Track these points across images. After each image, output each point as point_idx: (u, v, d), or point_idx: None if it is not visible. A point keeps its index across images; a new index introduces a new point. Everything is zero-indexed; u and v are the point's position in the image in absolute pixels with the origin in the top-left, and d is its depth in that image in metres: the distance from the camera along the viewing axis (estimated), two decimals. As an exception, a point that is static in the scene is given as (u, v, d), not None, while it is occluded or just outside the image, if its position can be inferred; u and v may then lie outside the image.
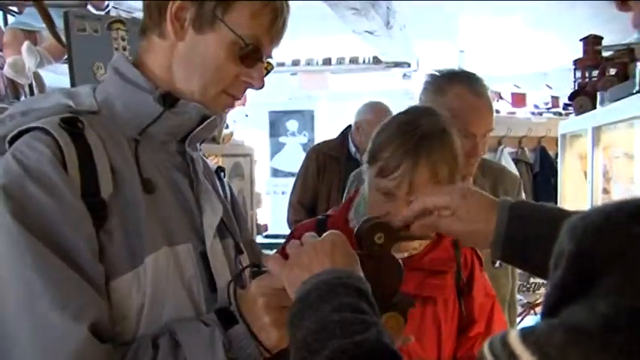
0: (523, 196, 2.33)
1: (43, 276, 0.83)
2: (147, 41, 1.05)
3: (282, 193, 8.31)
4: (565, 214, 0.96)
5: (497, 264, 2.02)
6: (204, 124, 1.06)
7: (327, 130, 7.86)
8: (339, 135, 3.38)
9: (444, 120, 1.39)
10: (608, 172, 3.24)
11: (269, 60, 1.09)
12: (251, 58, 1.03)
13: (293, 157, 8.57)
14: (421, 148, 1.29)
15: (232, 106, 1.13)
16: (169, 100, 1.01)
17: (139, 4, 3.98)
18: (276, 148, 8.53)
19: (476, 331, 1.47)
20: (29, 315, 0.83)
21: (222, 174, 1.29)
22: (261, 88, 1.09)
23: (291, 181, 8.50)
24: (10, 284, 0.83)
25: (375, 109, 3.25)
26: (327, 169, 3.14)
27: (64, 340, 0.82)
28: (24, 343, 0.82)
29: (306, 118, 8.45)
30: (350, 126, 3.35)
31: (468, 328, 1.47)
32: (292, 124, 8.51)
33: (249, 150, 2.29)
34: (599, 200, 3.21)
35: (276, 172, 8.42)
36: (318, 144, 3.48)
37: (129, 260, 0.92)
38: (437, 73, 1.90)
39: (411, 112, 1.42)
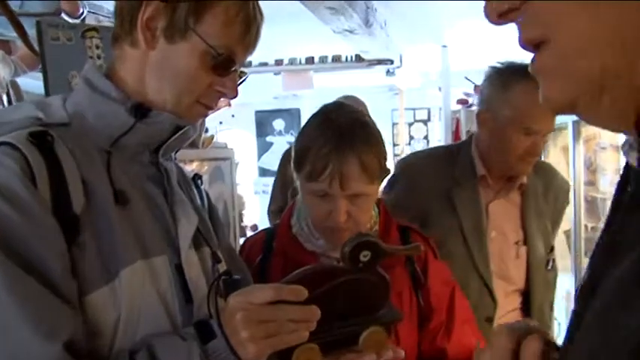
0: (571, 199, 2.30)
1: (15, 295, 0.82)
2: (119, 50, 1.04)
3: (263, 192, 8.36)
4: None
5: (549, 266, 2.02)
6: (178, 134, 1.06)
7: (313, 129, 7.88)
8: None
9: (358, 111, 1.41)
10: (593, 163, 3.27)
11: (242, 69, 1.09)
12: (224, 68, 1.03)
13: (280, 156, 8.60)
14: (343, 143, 1.28)
15: (206, 115, 1.13)
16: (141, 110, 1.00)
17: (106, 3, 3.91)
18: (264, 148, 8.54)
19: (436, 321, 1.47)
20: (2, 337, 0.81)
21: (199, 181, 1.28)
22: (234, 97, 1.09)
23: (280, 180, 8.51)
24: None
25: (356, 101, 3.19)
26: None
27: (36, 357, 0.81)
28: None
29: (292, 117, 8.47)
30: None
31: (428, 320, 1.47)
32: (279, 124, 8.53)
33: (229, 152, 2.28)
34: (582, 191, 3.24)
35: (264, 172, 8.43)
36: (289, 150, 3.41)
37: (103, 274, 0.92)
38: (501, 66, 1.89)
39: (323, 111, 1.41)
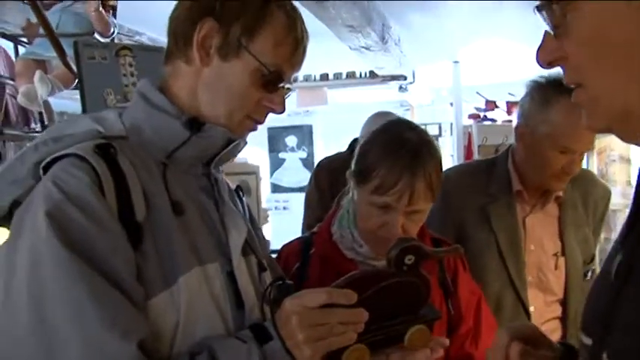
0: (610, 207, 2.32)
1: (91, 297, 0.86)
2: (172, 67, 1.08)
3: (284, 208, 8.39)
4: None
5: (588, 276, 2.05)
6: (230, 147, 1.10)
7: (326, 145, 7.94)
8: (348, 149, 3.31)
9: (423, 131, 1.47)
10: (604, 175, 3.31)
11: (287, 86, 1.13)
12: (273, 85, 1.07)
13: (293, 173, 8.65)
14: (416, 162, 1.35)
15: (255, 129, 1.16)
16: (196, 124, 1.05)
17: (139, 28, 4.02)
18: (276, 164, 8.60)
19: (465, 327, 1.53)
20: (80, 335, 0.86)
21: (241, 193, 1.33)
22: (282, 112, 1.12)
23: (293, 196, 8.58)
24: (60, 306, 0.87)
25: (390, 116, 3.23)
26: (341, 185, 3.05)
27: (115, 357, 0.86)
28: None
29: (304, 133, 8.52)
30: (357, 139, 3.31)
31: (457, 327, 1.53)
32: (291, 140, 8.57)
33: (254, 168, 2.35)
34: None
35: (276, 188, 8.47)
36: (327, 160, 3.36)
37: (163, 280, 0.96)
38: (543, 81, 1.87)
39: (392, 128, 1.47)
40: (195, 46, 1.03)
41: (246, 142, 1.15)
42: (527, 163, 1.91)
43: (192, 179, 1.11)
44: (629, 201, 2.28)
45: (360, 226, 1.46)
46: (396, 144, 1.39)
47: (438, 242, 1.57)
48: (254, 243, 1.21)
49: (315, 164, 3.65)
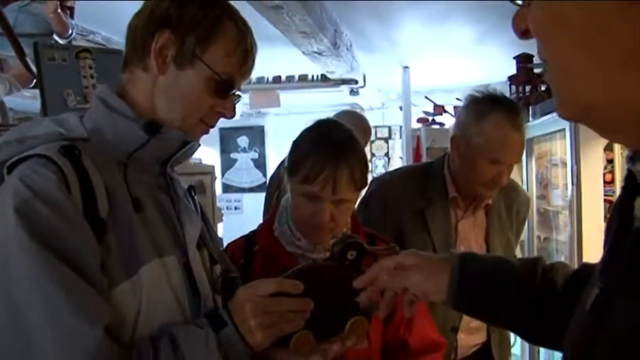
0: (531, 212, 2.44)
1: (59, 286, 0.93)
2: (130, 73, 1.17)
3: (235, 208, 8.44)
4: (508, 262, 1.14)
5: None
6: (185, 148, 1.19)
7: (277, 146, 8.01)
8: None
9: (349, 129, 1.59)
10: (545, 179, 3.47)
11: (238, 92, 1.23)
12: (225, 92, 1.17)
13: (244, 173, 8.70)
14: (339, 154, 1.48)
15: (207, 132, 1.26)
16: (154, 127, 1.13)
17: (93, 27, 4.00)
18: (228, 164, 8.62)
19: (399, 315, 1.61)
20: (50, 321, 0.93)
21: (193, 192, 1.41)
22: (233, 117, 1.23)
23: (245, 196, 8.54)
24: (33, 297, 0.93)
25: (355, 115, 3.30)
26: None
27: (84, 341, 0.93)
28: (48, 348, 0.92)
29: (255, 134, 8.58)
30: None
31: (392, 314, 1.59)
32: (243, 140, 8.61)
33: (209, 168, 2.41)
34: (534, 205, 3.43)
35: (227, 188, 8.50)
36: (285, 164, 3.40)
37: (125, 271, 1.04)
38: (479, 96, 2.01)
39: (320, 126, 1.61)
40: (153, 55, 1.12)
41: (199, 144, 1.25)
42: (461, 172, 2.05)
43: (150, 178, 1.20)
44: (567, 203, 2.43)
45: (294, 217, 1.58)
46: (321, 139, 1.53)
47: (372, 237, 1.69)
48: (206, 237, 1.31)
49: (272, 163, 3.66)
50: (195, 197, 1.42)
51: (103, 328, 0.95)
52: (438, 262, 1.15)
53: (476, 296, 1.10)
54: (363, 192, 1.85)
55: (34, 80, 1.98)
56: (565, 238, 3.44)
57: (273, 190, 3.27)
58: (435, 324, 1.74)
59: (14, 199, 0.97)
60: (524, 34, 0.77)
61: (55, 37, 2.26)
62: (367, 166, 1.58)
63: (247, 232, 1.73)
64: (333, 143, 1.51)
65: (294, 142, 1.60)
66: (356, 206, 1.76)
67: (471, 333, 2.12)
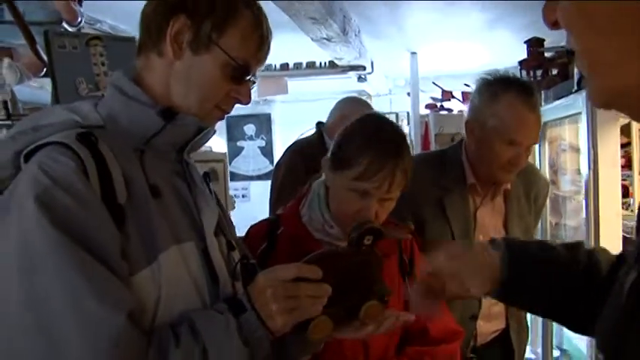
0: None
1: (82, 273, 0.93)
2: (145, 59, 1.17)
3: (243, 196, 8.44)
4: (551, 247, 1.14)
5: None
6: (201, 134, 1.19)
7: (284, 133, 8.00)
8: (316, 134, 3.28)
9: (399, 126, 1.60)
10: (555, 164, 3.46)
11: (253, 78, 1.22)
12: (241, 77, 1.17)
13: (251, 161, 8.70)
14: (398, 153, 1.48)
15: (223, 118, 1.25)
16: (170, 114, 1.13)
17: (99, 16, 3.99)
18: (235, 152, 8.62)
19: None
20: (73, 308, 0.92)
21: (208, 179, 1.41)
22: (248, 102, 1.23)
23: (252, 184, 8.54)
24: (55, 285, 0.93)
25: (360, 102, 3.24)
26: (314, 171, 2.92)
27: (107, 328, 0.93)
28: (71, 335, 0.91)
29: (262, 122, 8.57)
30: (322, 122, 3.29)
31: None
32: (250, 128, 8.61)
33: (222, 156, 2.41)
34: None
35: (234, 176, 8.51)
36: (299, 145, 3.30)
37: (144, 258, 1.03)
38: (490, 78, 2.00)
39: (372, 121, 1.60)
40: (169, 41, 1.11)
41: (215, 131, 1.24)
42: (478, 156, 2.03)
43: (166, 165, 1.20)
44: (578, 188, 2.44)
45: (335, 209, 1.56)
46: (379, 136, 1.52)
47: (397, 226, 1.66)
48: (223, 224, 1.31)
49: (279, 151, 3.61)
50: (211, 185, 1.42)
51: (126, 314, 0.94)
52: (485, 256, 1.15)
53: (523, 284, 1.10)
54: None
55: (45, 69, 1.96)
56: (576, 223, 3.44)
57: (279, 177, 3.23)
58: (455, 312, 1.74)
59: (34, 188, 0.96)
60: (554, 24, 0.77)
61: (65, 24, 2.24)
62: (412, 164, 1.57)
63: (255, 219, 1.73)
64: (391, 141, 1.51)
65: (343, 134, 1.58)
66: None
67: (490, 320, 2.12)
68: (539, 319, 3.23)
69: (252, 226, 1.71)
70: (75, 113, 1.11)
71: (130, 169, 1.08)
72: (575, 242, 1.13)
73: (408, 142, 1.59)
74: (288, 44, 4.43)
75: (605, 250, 1.11)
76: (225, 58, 1.13)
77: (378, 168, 1.46)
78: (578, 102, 2.50)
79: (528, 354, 3.52)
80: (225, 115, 1.26)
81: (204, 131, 1.19)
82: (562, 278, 1.07)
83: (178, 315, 1.07)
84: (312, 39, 3.92)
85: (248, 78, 1.19)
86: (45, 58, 1.89)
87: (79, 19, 2.34)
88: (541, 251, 1.13)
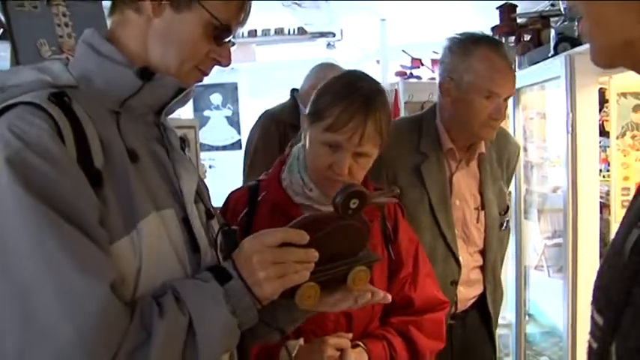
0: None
1: (60, 242, 0.87)
2: (120, 16, 1.10)
3: (210, 167, 8.32)
4: None
5: (503, 227, 2.17)
6: (180, 96, 1.13)
7: (251, 102, 7.89)
8: (290, 100, 3.24)
9: (378, 82, 1.57)
10: (526, 131, 3.48)
11: (233, 40, 1.18)
12: (222, 38, 1.12)
13: (218, 131, 8.57)
14: (369, 105, 1.46)
15: (201, 80, 1.20)
16: (148, 73, 1.07)
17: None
18: (201, 123, 8.47)
19: (405, 272, 1.65)
20: (51, 278, 0.87)
21: (183, 145, 1.35)
22: (228, 65, 1.18)
23: (219, 154, 8.46)
24: (29, 253, 0.87)
25: (335, 67, 3.17)
26: (291, 137, 2.74)
27: (88, 299, 0.87)
28: (49, 306, 0.86)
29: (228, 91, 8.44)
30: (296, 89, 3.26)
31: (398, 271, 1.64)
32: (216, 98, 8.47)
33: (193, 122, 2.34)
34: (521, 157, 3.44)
35: (201, 146, 8.37)
36: (272, 112, 3.23)
37: (123, 225, 0.98)
38: (460, 36, 2.00)
39: (349, 75, 1.59)
40: None
41: (194, 92, 1.18)
42: (456, 117, 2.01)
43: (144, 128, 1.14)
44: (546, 154, 2.46)
45: (309, 166, 1.54)
46: (351, 88, 1.50)
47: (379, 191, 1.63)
48: (201, 191, 1.26)
49: (246, 121, 3.54)
50: (186, 150, 1.37)
51: (108, 285, 0.89)
52: None
53: None
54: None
55: (2, 30, 1.86)
56: (546, 190, 3.47)
57: (253, 143, 3.18)
58: (437, 277, 1.73)
59: (4, 151, 0.90)
60: None
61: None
62: (390, 123, 1.55)
63: (223, 191, 1.69)
64: (364, 93, 1.48)
65: (320, 89, 1.56)
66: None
67: (470, 286, 2.13)
68: (511, 284, 3.27)
69: (232, 192, 1.68)
70: (45, 73, 1.04)
71: (106, 132, 1.02)
72: None
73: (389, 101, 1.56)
74: (255, 10, 4.33)
75: None
76: (207, 17, 1.08)
77: (347, 118, 1.44)
78: (555, 66, 2.49)
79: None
80: (204, 77, 1.21)
81: (183, 92, 1.14)
82: None
83: (161, 285, 1.02)
84: (282, 4, 3.83)
85: (229, 39, 1.14)
86: (2, 18, 1.79)
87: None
88: None
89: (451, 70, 2.00)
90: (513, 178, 2.59)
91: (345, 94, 1.48)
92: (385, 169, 2.03)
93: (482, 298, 2.19)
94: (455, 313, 2.10)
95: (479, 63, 1.92)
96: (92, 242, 0.91)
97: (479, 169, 2.15)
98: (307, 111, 1.56)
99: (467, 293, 2.14)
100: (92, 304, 0.87)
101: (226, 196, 1.68)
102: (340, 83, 1.54)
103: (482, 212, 2.14)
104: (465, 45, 1.97)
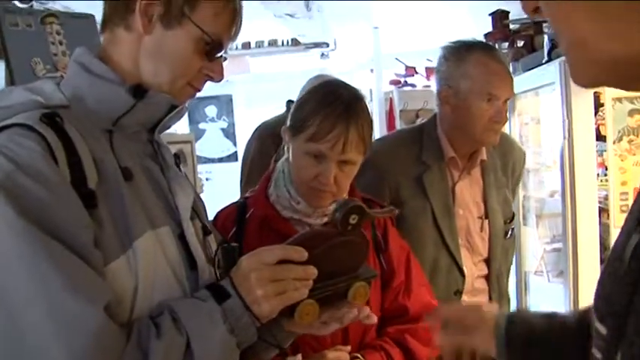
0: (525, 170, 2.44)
1: (53, 265, 0.86)
2: (110, 34, 1.10)
3: (206, 179, 8.31)
4: (558, 321, 1.09)
5: (508, 235, 2.15)
6: (173, 112, 1.13)
7: (246, 114, 7.88)
8: (286, 112, 3.11)
9: (357, 89, 1.56)
10: (521, 137, 3.48)
11: (225, 55, 1.17)
12: (214, 53, 1.11)
13: (214, 143, 8.56)
14: (350, 112, 1.45)
15: (193, 96, 1.20)
16: (140, 91, 1.06)
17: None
18: (197, 135, 8.46)
19: (398, 281, 1.63)
20: (45, 303, 0.86)
21: (178, 161, 1.34)
22: (220, 80, 1.17)
23: (215, 167, 8.45)
24: (21, 277, 0.86)
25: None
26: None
27: (83, 323, 0.86)
28: (42, 331, 0.85)
29: (223, 103, 8.43)
30: (292, 101, 3.24)
31: (390, 280, 1.62)
32: (211, 110, 8.47)
33: (189, 137, 2.34)
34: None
35: (197, 159, 8.33)
36: (269, 124, 3.22)
37: (119, 245, 0.97)
38: (453, 44, 2.00)
39: (328, 84, 1.59)
40: (138, 14, 1.04)
41: (187, 108, 1.18)
42: (457, 125, 2.00)
43: (137, 145, 1.13)
44: (542, 159, 2.45)
45: (295, 179, 1.54)
46: (331, 97, 1.49)
47: (369, 202, 1.64)
48: (198, 207, 1.25)
49: (242, 132, 3.52)
50: (181, 166, 1.36)
51: (102, 307, 0.88)
52: (491, 325, 1.10)
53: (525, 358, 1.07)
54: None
55: (-3, 49, 1.85)
56: (544, 194, 3.47)
57: (250, 155, 3.17)
58: (440, 287, 1.72)
59: None
60: (534, 11, 0.75)
61: (15, 1, 2.11)
62: (373, 129, 1.54)
63: (221, 203, 1.68)
64: (344, 101, 1.47)
65: (298, 100, 1.57)
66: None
67: (474, 295, 2.11)
68: (511, 290, 3.25)
69: (220, 211, 1.67)
70: (36, 93, 1.03)
71: (99, 152, 1.01)
72: (584, 308, 1.07)
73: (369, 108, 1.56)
74: (249, 22, 4.33)
75: None
76: (198, 32, 1.07)
77: (329, 127, 1.43)
78: (550, 72, 2.50)
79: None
80: (196, 93, 1.20)
81: (176, 109, 1.13)
82: (569, 350, 1.03)
83: (158, 305, 1.01)
84: (274, 15, 3.83)
85: (220, 54, 1.13)
86: (-4, 37, 1.78)
87: (32, -5, 2.22)
88: (546, 325, 1.08)
89: (448, 77, 2.00)
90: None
91: (325, 103, 1.47)
92: (387, 180, 2.02)
93: None
94: (459, 322, 2.08)
95: (474, 68, 1.92)
96: (86, 264, 0.90)
97: (482, 178, 2.14)
98: (288, 124, 1.56)
99: (472, 302, 2.12)
100: (86, 327, 0.86)
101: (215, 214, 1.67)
102: (319, 93, 1.53)
103: (486, 221, 2.12)
104: (459, 52, 1.98)
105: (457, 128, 2.02)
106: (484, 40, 3.66)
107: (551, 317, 1.12)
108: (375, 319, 1.32)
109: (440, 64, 2.05)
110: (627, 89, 0.67)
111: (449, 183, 2.06)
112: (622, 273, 0.69)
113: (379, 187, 1.99)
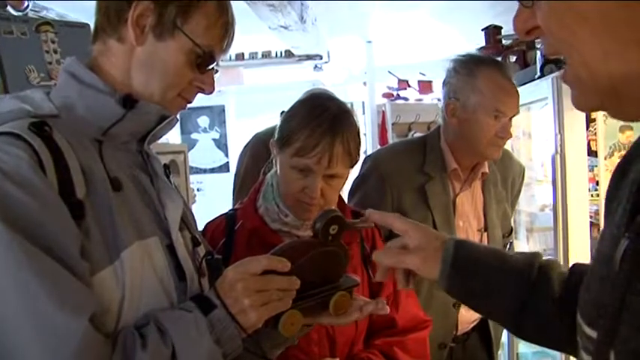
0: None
1: (39, 276, 0.85)
2: (102, 44, 1.10)
3: (198, 190, 8.28)
4: (504, 254, 1.09)
5: (506, 249, 2.15)
6: (163, 123, 1.12)
7: (238, 125, 7.88)
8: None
9: (344, 102, 1.56)
10: (512, 151, 3.50)
11: (216, 67, 1.18)
12: (205, 66, 1.12)
13: (206, 154, 8.55)
14: (335, 127, 1.45)
15: (184, 108, 1.20)
16: (130, 101, 1.06)
17: (46, 3, 3.83)
18: (189, 145, 8.44)
19: (386, 293, 1.63)
20: (29, 314, 0.85)
21: (167, 171, 1.34)
22: (211, 92, 1.18)
23: (206, 177, 8.43)
24: (7, 287, 0.85)
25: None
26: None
27: (68, 335, 0.85)
28: (27, 342, 0.84)
29: (216, 114, 8.42)
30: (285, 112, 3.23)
31: (378, 293, 1.62)
32: (203, 120, 8.46)
33: (182, 147, 2.33)
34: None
35: (189, 169, 8.32)
36: (262, 135, 3.16)
37: (106, 256, 0.97)
38: (464, 57, 2.00)
39: (314, 97, 1.57)
40: (130, 25, 1.05)
41: (178, 119, 1.18)
42: (463, 137, 2.01)
43: (126, 156, 1.13)
44: (533, 174, 2.47)
45: (282, 192, 1.54)
46: (317, 111, 1.48)
47: (357, 215, 1.63)
48: (187, 218, 1.25)
49: (234, 143, 3.52)
50: (171, 177, 1.36)
51: (87, 318, 0.87)
52: (437, 246, 1.09)
53: (467, 283, 1.06)
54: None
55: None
56: (534, 209, 3.48)
57: (243, 166, 3.16)
58: (438, 300, 1.71)
59: None
60: (528, 33, 0.76)
61: (10, 9, 2.11)
62: (360, 142, 1.53)
63: (212, 213, 1.68)
64: (330, 115, 1.46)
65: (286, 113, 1.55)
66: (350, 185, 1.70)
67: None
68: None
69: (209, 222, 1.67)
70: (26, 102, 1.03)
71: (88, 161, 1.01)
72: (531, 253, 1.08)
73: (356, 120, 1.55)
74: (242, 34, 4.34)
75: (559, 264, 1.07)
76: (190, 44, 1.07)
77: (315, 142, 1.43)
78: (542, 88, 2.51)
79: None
80: (187, 105, 1.20)
81: (166, 120, 1.13)
82: (508, 283, 1.03)
83: (143, 315, 1.00)
84: (269, 27, 3.84)
85: (212, 66, 1.14)
86: (-10, 45, 1.77)
87: (26, 3, 2.21)
88: (491, 254, 1.09)
89: (456, 90, 2.01)
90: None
91: (311, 117, 1.47)
92: (390, 190, 2.03)
93: (483, 320, 2.17)
94: (456, 336, 2.08)
95: (484, 84, 1.93)
96: (72, 274, 0.89)
97: (483, 191, 2.15)
98: (275, 137, 1.55)
99: (468, 316, 2.12)
100: (71, 339, 0.85)
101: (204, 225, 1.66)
102: (305, 107, 1.53)
103: (485, 234, 2.13)
104: (470, 66, 1.98)
105: (461, 141, 2.02)
106: (477, 55, 3.70)
107: (497, 250, 1.13)
108: (387, 310, 1.31)
109: (449, 76, 2.05)
110: (631, 116, 0.68)
111: (450, 195, 2.07)
112: (613, 276, 0.69)
113: (382, 195, 2.00)
